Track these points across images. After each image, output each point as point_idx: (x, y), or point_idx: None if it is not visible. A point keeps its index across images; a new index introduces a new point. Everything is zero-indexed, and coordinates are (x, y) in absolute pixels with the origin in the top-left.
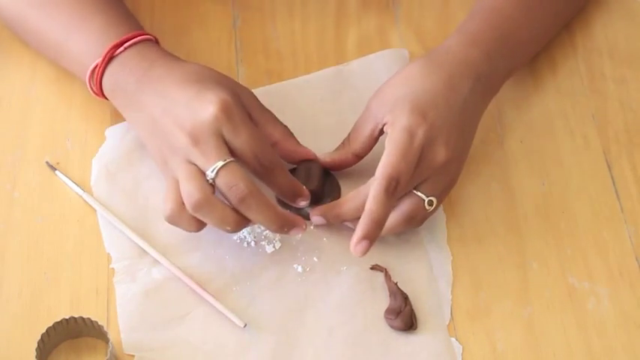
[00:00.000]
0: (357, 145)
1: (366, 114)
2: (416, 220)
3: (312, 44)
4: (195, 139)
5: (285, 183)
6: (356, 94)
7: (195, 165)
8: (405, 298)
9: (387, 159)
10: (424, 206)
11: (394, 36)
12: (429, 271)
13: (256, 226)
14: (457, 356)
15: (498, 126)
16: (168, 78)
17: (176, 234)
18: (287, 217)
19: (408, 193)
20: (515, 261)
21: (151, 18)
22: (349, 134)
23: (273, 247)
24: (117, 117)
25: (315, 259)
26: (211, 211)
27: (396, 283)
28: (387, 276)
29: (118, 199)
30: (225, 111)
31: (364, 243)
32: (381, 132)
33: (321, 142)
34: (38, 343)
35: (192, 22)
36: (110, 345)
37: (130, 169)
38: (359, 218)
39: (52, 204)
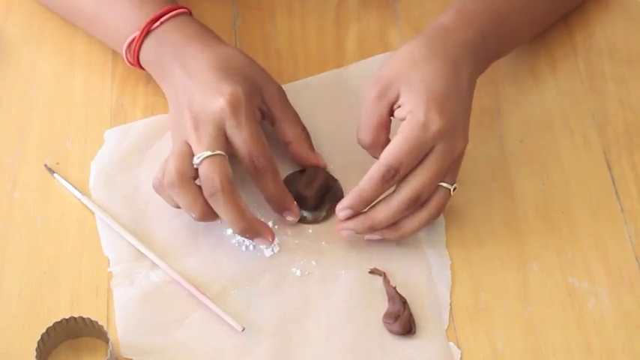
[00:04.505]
0: (369, 138)
1: (371, 103)
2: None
3: (312, 43)
4: (197, 124)
5: (275, 191)
6: (355, 98)
7: (189, 147)
8: (404, 302)
9: (394, 148)
10: (450, 194)
11: (394, 34)
12: (428, 275)
13: None
14: None
15: (498, 126)
16: (199, 59)
17: (175, 237)
18: (253, 224)
19: (435, 189)
20: (515, 261)
21: None
22: (360, 132)
23: (272, 250)
24: (116, 118)
25: (313, 262)
26: (182, 194)
27: (394, 288)
28: (386, 280)
29: (117, 202)
30: (233, 105)
31: (348, 211)
32: (391, 113)
33: (320, 146)
34: (38, 343)
35: None
36: (110, 345)
37: (128, 173)
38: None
39: (52, 204)
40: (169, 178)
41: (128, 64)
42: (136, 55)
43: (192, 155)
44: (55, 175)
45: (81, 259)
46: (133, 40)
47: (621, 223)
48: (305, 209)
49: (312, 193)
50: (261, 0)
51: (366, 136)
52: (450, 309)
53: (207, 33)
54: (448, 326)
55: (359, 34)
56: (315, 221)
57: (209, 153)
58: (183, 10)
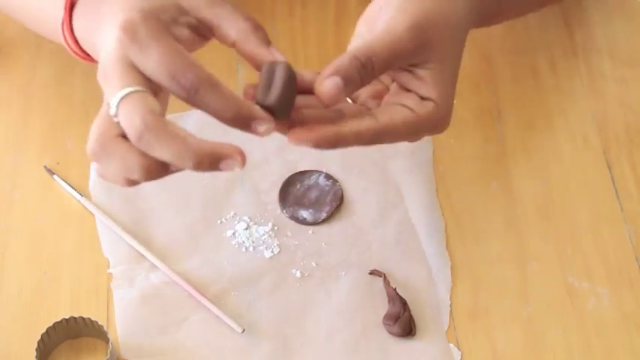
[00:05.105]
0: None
1: (403, 49)
2: None
3: (312, 44)
4: (104, 72)
5: (223, 102)
6: None
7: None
8: (404, 303)
9: (404, 126)
10: None
11: None
12: (428, 276)
13: (254, 230)
14: None
15: (498, 126)
16: (111, 11)
17: (174, 239)
18: (204, 149)
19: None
20: (515, 261)
21: None
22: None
23: (272, 252)
24: None
25: (313, 264)
26: (110, 157)
27: (394, 289)
28: (386, 281)
29: (116, 203)
30: (128, 30)
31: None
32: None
33: None
34: (38, 343)
35: None
36: (110, 345)
37: None
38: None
39: (52, 203)
40: (90, 148)
41: (74, 55)
42: (73, 38)
43: None
44: (54, 176)
45: (81, 259)
46: (63, 22)
47: (621, 223)
48: (276, 116)
49: (275, 99)
50: (262, 2)
51: (370, 69)
52: (450, 309)
53: None
54: (448, 326)
55: None
56: (315, 222)
57: (121, 94)
58: None
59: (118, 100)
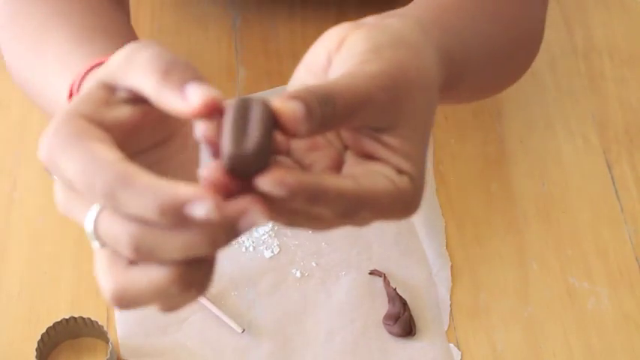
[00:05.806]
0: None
1: (370, 100)
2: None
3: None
4: (65, 202)
5: (138, 201)
6: None
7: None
8: (404, 303)
9: (371, 195)
10: None
11: None
12: (428, 276)
13: (254, 230)
14: None
15: (498, 126)
16: None
17: None
18: (213, 232)
19: None
20: (515, 261)
21: (151, 18)
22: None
23: (272, 252)
24: None
25: (313, 263)
26: (139, 296)
27: (394, 289)
28: (386, 281)
29: None
30: (46, 150)
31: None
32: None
33: None
34: (38, 343)
35: (192, 23)
36: (110, 345)
37: None
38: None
39: (52, 203)
40: (118, 303)
41: None
42: None
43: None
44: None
45: (81, 260)
46: None
47: (621, 223)
48: (251, 171)
49: (255, 145)
50: (262, 3)
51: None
52: (450, 309)
53: None
54: (448, 326)
55: None
56: None
57: (91, 220)
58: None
59: (91, 228)
